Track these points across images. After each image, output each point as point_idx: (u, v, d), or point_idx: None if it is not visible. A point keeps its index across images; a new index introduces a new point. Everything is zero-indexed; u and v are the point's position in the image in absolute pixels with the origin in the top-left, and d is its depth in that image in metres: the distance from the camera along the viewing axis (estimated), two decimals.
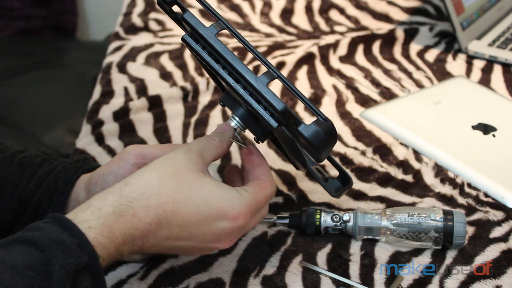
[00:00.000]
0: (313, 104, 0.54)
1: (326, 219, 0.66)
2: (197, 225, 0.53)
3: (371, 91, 0.94)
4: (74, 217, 0.49)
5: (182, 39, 0.57)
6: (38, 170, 0.63)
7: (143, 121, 0.88)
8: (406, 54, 1.04)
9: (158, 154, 0.60)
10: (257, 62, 0.99)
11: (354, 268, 0.63)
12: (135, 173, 0.54)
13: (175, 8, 0.58)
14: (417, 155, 0.80)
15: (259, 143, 0.62)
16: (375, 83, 0.96)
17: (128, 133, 0.86)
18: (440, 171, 0.77)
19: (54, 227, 0.48)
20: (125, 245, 0.50)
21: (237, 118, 0.61)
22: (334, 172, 0.72)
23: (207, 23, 0.55)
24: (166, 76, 0.99)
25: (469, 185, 0.74)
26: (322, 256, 0.64)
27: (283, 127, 0.56)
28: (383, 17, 1.16)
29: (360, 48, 1.05)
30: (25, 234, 0.47)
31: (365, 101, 0.91)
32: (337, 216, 0.66)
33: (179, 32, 1.11)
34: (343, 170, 0.67)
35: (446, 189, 0.74)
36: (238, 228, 0.55)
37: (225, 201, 0.53)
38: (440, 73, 0.98)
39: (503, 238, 0.67)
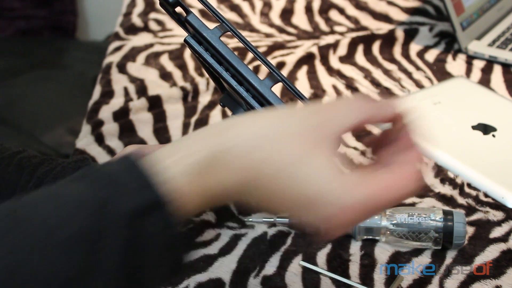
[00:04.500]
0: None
1: None
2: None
3: (371, 91, 0.94)
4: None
5: (185, 40, 0.58)
6: (37, 170, 0.63)
7: (143, 121, 0.88)
8: (406, 54, 1.04)
9: None
10: (257, 62, 0.99)
11: (354, 268, 0.63)
12: (243, 119, 0.43)
13: (177, 9, 0.58)
14: None
15: None
16: (375, 83, 0.96)
17: (128, 133, 0.86)
18: (440, 171, 0.77)
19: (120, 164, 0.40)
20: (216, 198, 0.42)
21: None
22: None
23: (209, 24, 0.55)
24: (166, 76, 0.99)
25: (469, 185, 0.74)
26: (322, 256, 0.64)
27: None
28: (383, 17, 1.16)
29: (360, 48, 1.05)
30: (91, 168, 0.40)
31: None
32: None
33: (179, 32, 1.12)
34: None
35: (446, 189, 0.74)
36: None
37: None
38: (440, 73, 0.98)
39: (503, 238, 0.67)
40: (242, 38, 0.56)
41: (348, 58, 1.03)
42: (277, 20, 1.16)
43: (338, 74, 0.99)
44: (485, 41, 1.05)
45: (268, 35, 1.11)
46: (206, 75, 0.98)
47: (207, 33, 0.55)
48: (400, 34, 1.09)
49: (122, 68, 1.01)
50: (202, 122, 0.88)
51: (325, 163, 0.41)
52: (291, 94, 0.92)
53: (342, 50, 1.05)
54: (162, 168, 0.39)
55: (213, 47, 0.55)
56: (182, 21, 0.60)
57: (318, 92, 0.94)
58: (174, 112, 0.90)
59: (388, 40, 1.07)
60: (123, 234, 0.37)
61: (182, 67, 1.01)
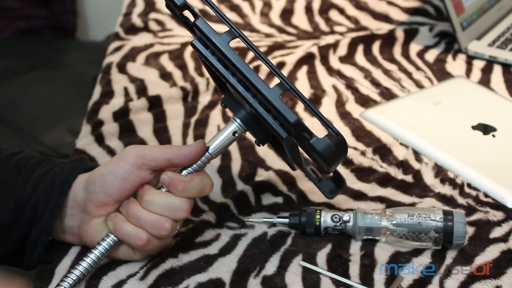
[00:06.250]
0: (325, 118, 0.55)
1: (326, 219, 0.66)
2: None
3: (371, 91, 0.94)
4: None
5: (192, 44, 0.58)
6: (35, 171, 0.63)
7: (143, 121, 0.88)
8: (406, 54, 1.04)
9: (158, 155, 0.60)
10: (257, 62, 0.99)
11: (354, 268, 0.63)
12: None
13: (184, 12, 0.58)
14: (417, 155, 0.80)
15: (259, 146, 0.63)
16: (375, 83, 0.96)
17: (128, 133, 0.86)
18: (440, 171, 0.77)
19: None
20: None
21: (238, 120, 0.61)
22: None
23: (213, 24, 0.55)
24: (166, 76, 0.99)
25: (469, 185, 0.74)
26: (322, 256, 0.64)
27: (292, 137, 0.56)
28: (383, 17, 1.16)
29: (360, 48, 1.05)
30: None
31: (365, 101, 0.91)
32: (337, 216, 0.66)
33: (179, 32, 1.12)
34: (337, 172, 0.68)
35: (446, 189, 0.74)
36: None
37: None
38: (440, 73, 0.98)
39: (503, 239, 0.67)
40: (252, 46, 0.56)
41: (348, 58, 1.03)
42: (277, 20, 1.16)
43: (338, 74, 0.99)
44: (485, 41, 1.05)
45: (268, 35, 1.11)
46: (206, 75, 0.98)
47: (216, 39, 0.55)
48: (400, 34, 1.09)
49: (122, 68, 1.01)
50: (202, 122, 0.88)
51: None
52: (291, 94, 0.92)
53: (342, 50, 1.05)
54: None
55: (222, 53, 0.55)
56: (189, 25, 0.60)
57: (318, 92, 0.94)
58: (174, 112, 0.90)
59: (388, 40, 1.07)
60: None
61: (182, 67, 1.01)
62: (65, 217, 0.62)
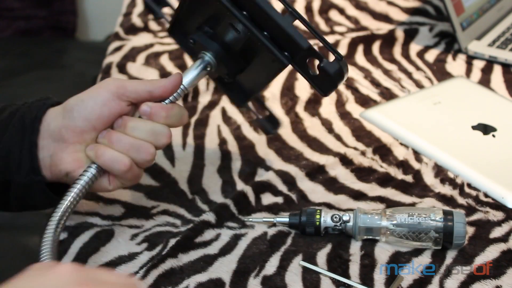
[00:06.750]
0: (329, 42, 0.59)
1: (326, 219, 0.66)
2: None
3: (371, 91, 0.94)
4: None
5: None
6: (1, 115, 0.63)
7: None
8: (406, 54, 1.04)
9: (139, 87, 0.61)
10: None
11: (354, 268, 0.63)
12: None
13: None
14: (417, 155, 0.80)
15: (227, 81, 0.68)
16: (375, 83, 0.96)
17: None
18: (440, 171, 0.77)
19: None
20: None
21: (209, 54, 0.65)
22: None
23: None
24: (166, 76, 0.98)
25: (469, 185, 0.74)
26: (322, 256, 0.64)
27: (293, 64, 0.61)
28: (383, 17, 1.15)
29: (360, 49, 1.05)
30: None
31: (365, 101, 0.91)
32: (337, 216, 0.66)
33: None
34: (271, 113, 0.75)
35: (446, 189, 0.74)
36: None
37: None
38: (440, 73, 0.98)
39: (503, 239, 0.67)
40: None
41: (348, 58, 1.03)
42: None
43: None
44: (485, 41, 1.05)
45: None
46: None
47: None
48: (400, 34, 1.09)
49: (122, 68, 1.01)
50: (202, 122, 0.88)
51: None
52: (291, 95, 0.92)
53: (342, 50, 1.05)
54: None
55: None
56: None
57: None
58: None
59: (388, 40, 1.07)
60: None
61: (182, 67, 1.01)
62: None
